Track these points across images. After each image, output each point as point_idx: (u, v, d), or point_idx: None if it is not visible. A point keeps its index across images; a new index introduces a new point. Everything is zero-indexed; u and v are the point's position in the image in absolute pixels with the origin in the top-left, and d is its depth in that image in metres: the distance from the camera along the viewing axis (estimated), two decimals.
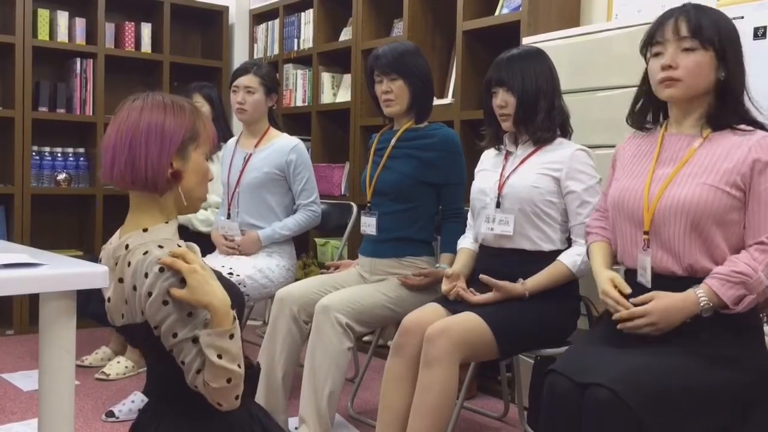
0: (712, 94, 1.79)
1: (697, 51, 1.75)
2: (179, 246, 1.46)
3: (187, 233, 3.43)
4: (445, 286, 2.26)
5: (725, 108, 1.78)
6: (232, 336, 1.40)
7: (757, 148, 1.72)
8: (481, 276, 2.19)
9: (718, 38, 1.75)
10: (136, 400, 2.86)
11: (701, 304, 1.68)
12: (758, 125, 1.79)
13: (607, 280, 1.83)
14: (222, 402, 1.41)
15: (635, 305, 1.73)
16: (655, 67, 1.80)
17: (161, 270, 1.38)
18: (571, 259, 2.17)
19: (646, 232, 1.80)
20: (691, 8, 1.79)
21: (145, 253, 1.41)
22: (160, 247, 1.42)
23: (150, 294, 1.38)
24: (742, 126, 1.78)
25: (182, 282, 1.39)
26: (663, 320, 1.70)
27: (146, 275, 1.39)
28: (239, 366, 1.40)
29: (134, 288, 1.41)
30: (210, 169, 1.56)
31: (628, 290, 1.79)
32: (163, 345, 1.43)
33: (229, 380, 1.39)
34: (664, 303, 1.71)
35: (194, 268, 1.40)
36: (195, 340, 1.40)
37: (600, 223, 2.02)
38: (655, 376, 1.60)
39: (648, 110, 1.93)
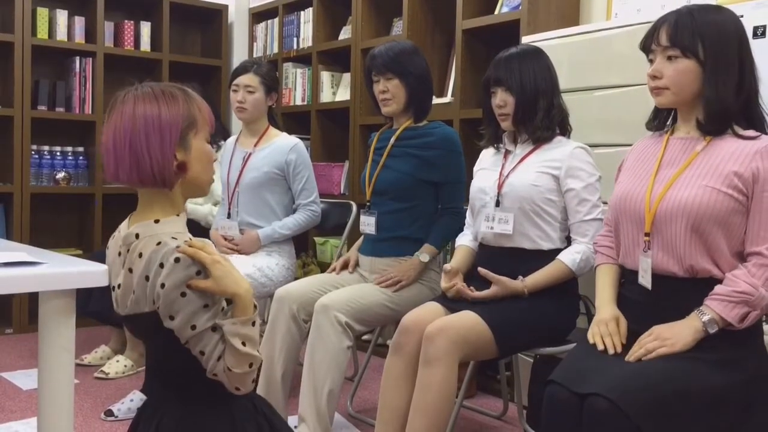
0: (701, 100, 1.78)
1: (679, 59, 1.76)
2: (191, 239, 1.46)
3: (198, 228, 3.41)
4: (444, 283, 2.27)
5: (714, 114, 1.76)
6: (253, 323, 1.43)
7: (762, 154, 1.70)
8: (480, 269, 2.19)
9: (702, 46, 1.74)
10: (135, 399, 2.85)
11: (703, 319, 1.68)
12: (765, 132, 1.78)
13: (613, 318, 1.83)
14: (241, 386, 1.44)
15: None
16: (647, 76, 1.82)
17: (176, 260, 1.38)
18: (570, 257, 2.17)
19: (647, 234, 1.80)
20: (678, 15, 1.77)
21: (159, 243, 1.41)
22: (174, 239, 1.42)
23: (164, 285, 1.38)
24: (750, 132, 1.76)
25: (198, 273, 1.39)
26: (668, 331, 1.69)
27: (161, 265, 1.38)
28: (258, 351, 1.44)
29: (146, 278, 1.41)
30: (212, 150, 1.55)
31: (624, 335, 1.79)
32: (167, 335, 1.42)
33: (250, 365, 1.42)
34: (666, 325, 1.72)
35: (217, 258, 1.41)
36: (214, 328, 1.41)
37: (607, 242, 2.01)
38: (653, 382, 1.60)
39: (661, 113, 1.94)
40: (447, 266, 2.29)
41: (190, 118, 1.47)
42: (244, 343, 1.40)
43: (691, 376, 1.63)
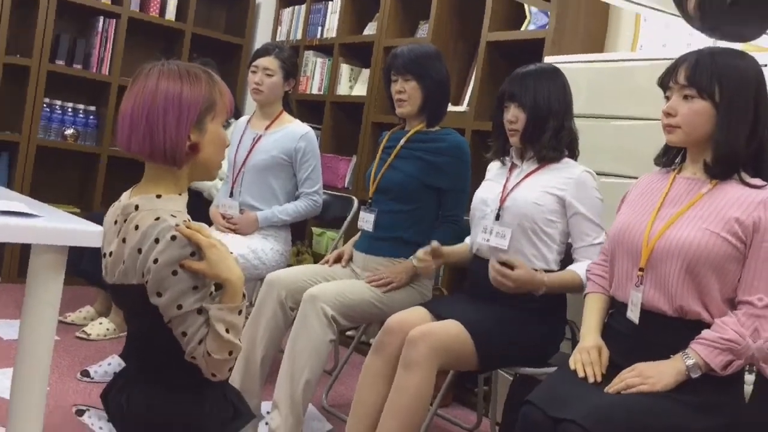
0: (712, 142, 1.77)
1: (695, 99, 1.76)
2: (189, 220, 1.46)
3: (199, 201, 3.41)
4: (420, 253, 2.31)
5: (722, 157, 1.76)
6: (240, 312, 1.43)
7: (766, 204, 1.70)
8: (501, 256, 2.14)
9: (719, 88, 1.74)
10: (113, 363, 2.86)
11: (687, 363, 1.67)
12: None
13: (595, 347, 1.83)
14: (217, 373, 1.45)
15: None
16: (662, 112, 1.82)
17: (173, 238, 1.38)
18: (582, 271, 2.14)
19: (641, 269, 1.80)
20: (699, 55, 1.77)
21: (157, 218, 1.41)
22: (173, 216, 1.43)
23: (156, 261, 1.38)
24: (756, 180, 1.76)
25: (192, 255, 1.40)
26: (651, 369, 1.69)
27: (157, 240, 1.39)
28: (239, 340, 1.44)
29: (139, 251, 1.41)
30: (227, 135, 1.56)
31: (605, 365, 1.80)
32: (152, 311, 1.42)
33: (230, 353, 1.42)
34: (649, 363, 1.71)
35: (213, 242, 1.41)
36: (200, 311, 1.41)
37: (600, 271, 2.00)
38: (630, 414, 1.59)
39: (671, 150, 1.94)
40: (435, 243, 2.30)
41: (210, 101, 1.48)
42: (227, 330, 1.40)
43: (670, 414, 1.63)
